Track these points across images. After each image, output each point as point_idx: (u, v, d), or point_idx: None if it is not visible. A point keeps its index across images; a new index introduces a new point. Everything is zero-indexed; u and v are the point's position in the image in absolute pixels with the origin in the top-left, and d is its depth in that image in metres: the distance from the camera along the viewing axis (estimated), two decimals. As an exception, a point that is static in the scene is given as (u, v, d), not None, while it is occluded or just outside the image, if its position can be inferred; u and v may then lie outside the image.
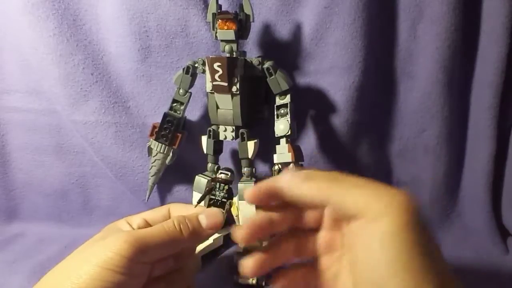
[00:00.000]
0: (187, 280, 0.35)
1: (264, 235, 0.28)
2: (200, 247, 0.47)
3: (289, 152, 0.43)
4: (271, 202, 0.28)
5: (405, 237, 0.22)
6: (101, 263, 0.27)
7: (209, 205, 0.43)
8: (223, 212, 0.37)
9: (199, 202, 0.41)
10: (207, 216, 0.33)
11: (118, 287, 0.27)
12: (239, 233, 0.27)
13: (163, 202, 0.57)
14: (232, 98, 0.44)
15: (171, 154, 0.50)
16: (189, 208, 0.36)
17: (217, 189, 0.44)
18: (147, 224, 0.34)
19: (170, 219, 0.32)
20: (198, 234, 0.32)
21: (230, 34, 0.43)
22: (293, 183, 0.26)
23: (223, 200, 0.43)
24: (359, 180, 0.26)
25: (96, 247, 0.28)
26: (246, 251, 0.45)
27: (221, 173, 0.44)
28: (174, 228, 0.30)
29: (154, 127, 0.49)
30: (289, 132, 0.44)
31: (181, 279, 0.34)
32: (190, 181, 0.50)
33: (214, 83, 0.43)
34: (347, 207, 0.25)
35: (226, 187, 0.44)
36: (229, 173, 0.44)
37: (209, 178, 0.46)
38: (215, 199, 0.43)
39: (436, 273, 0.22)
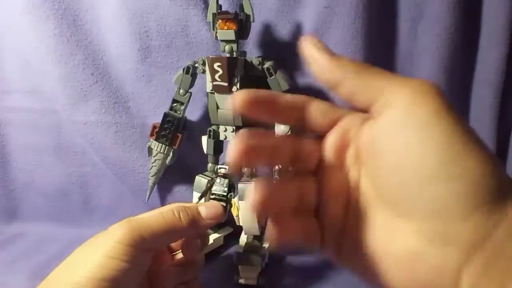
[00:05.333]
0: (198, 268, 0.36)
1: (261, 157, 0.21)
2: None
3: (289, 152, 0.43)
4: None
5: (444, 117, 0.17)
6: (105, 253, 0.27)
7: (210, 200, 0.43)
8: (223, 206, 0.37)
9: (200, 198, 0.41)
10: (207, 207, 0.33)
11: (123, 274, 0.27)
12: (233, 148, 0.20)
13: (163, 202, 0.57)
14: (232, 98, 0.44)
15: (171, 154, 0.50)
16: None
17: (218, 183, 0.44)
18: None
19: (169, 207, 0.32)
20: (197, 222, 0.32)
21: (230, 34, 0.43)
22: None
23: (224, 194, 0.43)
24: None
25: (98, 238, 0.29)
26: (247, 252, 0.45)
27: (220, 167, 0.44)
28: (173, 215, 0.31)
29: (154, 127, 0.49)
30: (289, 132, 0.44)
31: (195, 266, 0.35)
32: (190, 181, 0.50)
33: (214, 83, 0.43)
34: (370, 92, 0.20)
35: (227, 181, 0.44)
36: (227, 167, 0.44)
37: (210, 178, 0.46)
38: (216, 194, 0.43)
39: (479, 148, 0.17)
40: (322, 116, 0.22)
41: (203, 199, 0.42)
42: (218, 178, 0.44)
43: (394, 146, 0.18)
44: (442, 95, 0.18)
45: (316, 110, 0.22)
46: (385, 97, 0.19)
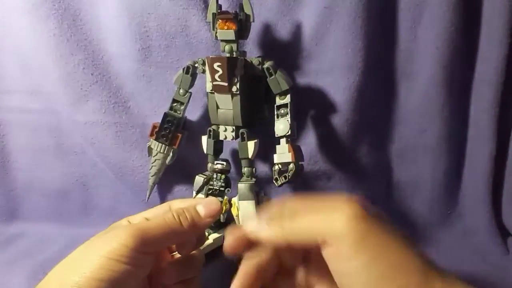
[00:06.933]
0: (197, 267, 0.36)
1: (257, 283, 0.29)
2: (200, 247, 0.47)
3: (289, 152, 0.43)
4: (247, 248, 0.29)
5: (371, 243, 0.24)
6: (107, 254, 0.27)
7: (207, 195, 0.44)
8: (220, 201, 0.38)
9: (197, 193, 0.41)
10: (204, 205, 0.34)
11: (124, 276, 0.28)
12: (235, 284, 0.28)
13: (163, 202, 0.57)
14: (232, 98, 0.44)
15: (171, 154, 0.50)
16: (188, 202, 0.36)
17: (214, 179, 0.45)
18: None
19: (170, 211, 0.32)
20: (197, 223, 0.32)
21: (230, 34, 0.43)
22: (255, 232, 0.28)
23: (221, 189, 0.44)
24: (308, 203, 0.27)
25: (100, 240, 0.29)
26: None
27: (217, 163, 0.45)
28: (173, 219, 0.31)
29: (154, 127, 0.49)
30: (289, 132, 0.44)
31: (195, 264, 0.35)
32: (190, 181, 0.50)
33: (214, 83, 0.43)
34: (305, 241, 0.26)
35: (223, 176, 0.45)
36: (224, 163, 0.45)
37: (205, 176, 0.47)
38: (213, 188, 0.44)
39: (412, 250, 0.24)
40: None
41: (200, 194, 0.43)
42: (215, 173, 0.45)
43: (348, 268, 0.24)
44: (365, 210, 0.24)
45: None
46: (325, 234, 0.25)
